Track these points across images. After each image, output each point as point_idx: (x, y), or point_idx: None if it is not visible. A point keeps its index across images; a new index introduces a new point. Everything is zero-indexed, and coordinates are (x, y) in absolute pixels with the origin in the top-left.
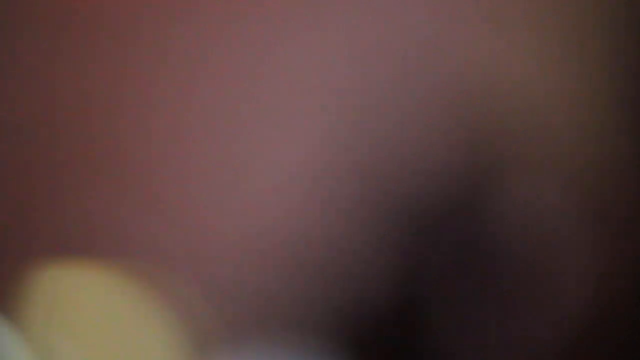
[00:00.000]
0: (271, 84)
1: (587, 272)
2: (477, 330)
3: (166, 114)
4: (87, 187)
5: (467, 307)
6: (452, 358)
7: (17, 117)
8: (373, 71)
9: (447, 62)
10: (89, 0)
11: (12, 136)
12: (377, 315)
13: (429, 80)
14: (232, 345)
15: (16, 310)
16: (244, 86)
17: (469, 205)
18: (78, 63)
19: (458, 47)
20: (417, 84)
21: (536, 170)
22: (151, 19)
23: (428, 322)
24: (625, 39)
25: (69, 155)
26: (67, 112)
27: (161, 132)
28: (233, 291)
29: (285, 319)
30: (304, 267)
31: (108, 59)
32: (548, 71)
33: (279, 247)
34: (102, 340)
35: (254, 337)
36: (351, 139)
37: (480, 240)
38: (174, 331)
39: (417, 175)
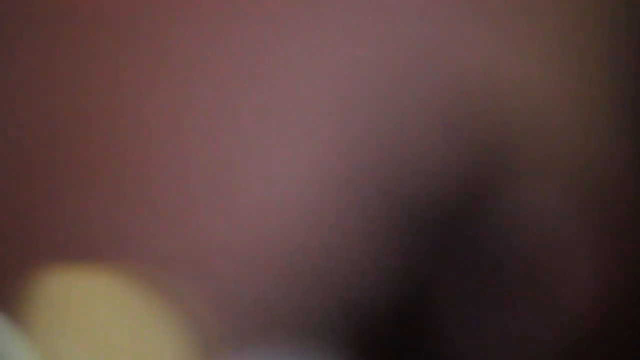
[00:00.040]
0: (271, 84)
1: (587, 272)
2: (477, 330)
3: (166, 115)
4: (87, 187)
5: (467, 307)
6: (452, 358)
7: (17, 117)
8: (373, 71)
9: (447, 62)
10: (89, 0)
11: (12, 136)
12: (377, 315)
13: (429, 80)
14: (235, 347)
15: (16, 311)
16: (244, 86)
17: (469, 206)
18: (78, 63)
19: (458, 48)
20: (417, 84)
21: (536, 170)
22: (151, 19)
23: (428, 323)
24: (625, 39)
25: (69, 155)
26: (67, 112)
27: (161, 133)
28: (234, 292)
29: (285, 320)
30: (305, 264)
31: (108, 59)
32: (548, 71)
33: (279, 247)
34: (104, 342)
35: (256, 340)
36: (351, 141)
37: (480, 240)
38: (176, 333)
39: (417, 175)
